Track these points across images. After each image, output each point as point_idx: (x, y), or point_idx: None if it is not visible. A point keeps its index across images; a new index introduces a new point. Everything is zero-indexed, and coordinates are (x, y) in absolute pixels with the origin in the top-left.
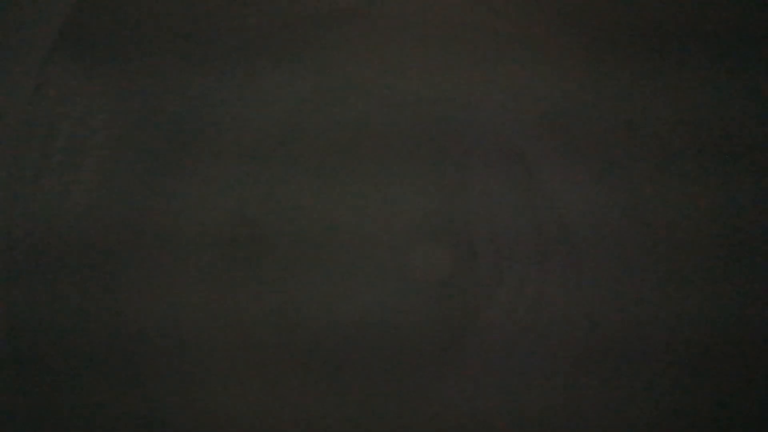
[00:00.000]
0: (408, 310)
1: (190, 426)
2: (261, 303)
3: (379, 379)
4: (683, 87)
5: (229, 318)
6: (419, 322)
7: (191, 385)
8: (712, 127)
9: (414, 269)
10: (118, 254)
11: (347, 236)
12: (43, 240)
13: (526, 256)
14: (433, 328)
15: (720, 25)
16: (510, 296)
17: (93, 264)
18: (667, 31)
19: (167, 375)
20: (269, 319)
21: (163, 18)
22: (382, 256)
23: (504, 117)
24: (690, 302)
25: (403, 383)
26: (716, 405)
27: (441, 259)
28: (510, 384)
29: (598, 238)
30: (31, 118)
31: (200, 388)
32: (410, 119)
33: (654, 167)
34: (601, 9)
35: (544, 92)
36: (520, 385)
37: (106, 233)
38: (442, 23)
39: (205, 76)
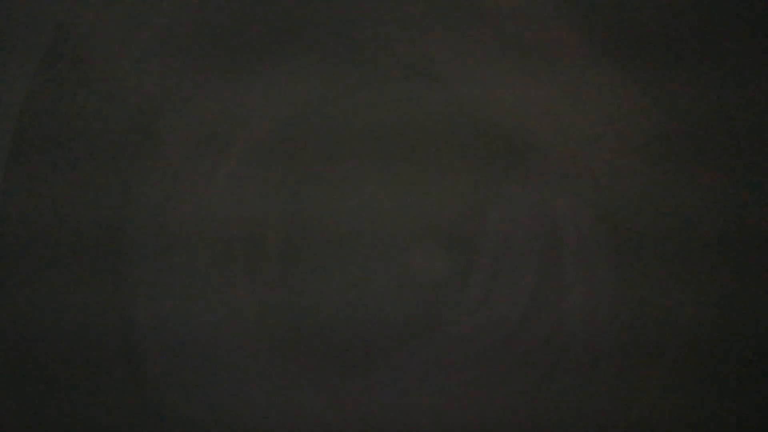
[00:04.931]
0: (408, 309)
1: (194, 426)
2: (263, 303)
3: (379, 378)
4: (684, 89)
5: (231, 318)
6: (420, 322)
7: (194, 386)
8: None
9: (416, 270)
10: (119, 254)
11: (350, 237)
12: (44, 240)
13: (526, 258)
14: (435, 328)
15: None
16: (509, 297)
17: (94, 264)
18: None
19: (170, 376)
20: (271, 319)
21: (163, 19)
22: (384, 257)
23: (510, 116)
24: (689, 303)
25: (402, 382)
26: (715, 405)
27: (443, 261)
28: (511, 384)
29: (601, 240)
30: (31, 118)
31: (203, 388)
32: (414, 120)
33: (653, 168)
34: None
35: (546, 92)
36: (521, 385)
37: (108, 233)
38: (442, 26)
39: (207, 76)
